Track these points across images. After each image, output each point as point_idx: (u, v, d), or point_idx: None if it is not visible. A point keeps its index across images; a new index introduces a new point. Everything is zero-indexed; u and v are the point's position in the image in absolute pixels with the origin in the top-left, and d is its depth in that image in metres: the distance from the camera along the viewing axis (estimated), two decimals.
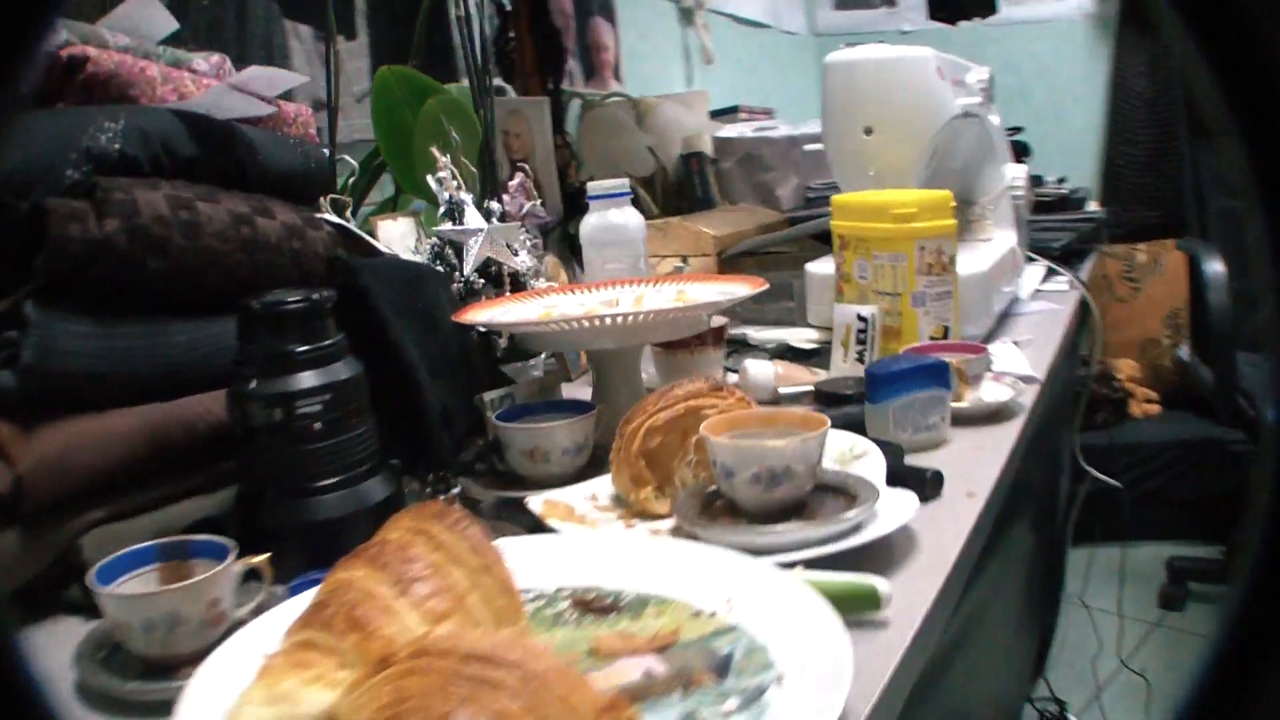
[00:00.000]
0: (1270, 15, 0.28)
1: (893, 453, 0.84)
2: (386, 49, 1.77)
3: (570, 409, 0.91)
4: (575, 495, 0.80)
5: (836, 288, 1.19)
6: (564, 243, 1.76)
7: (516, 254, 1.13)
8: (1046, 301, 1.53)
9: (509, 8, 1.83)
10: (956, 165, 1.46)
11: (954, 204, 1.12)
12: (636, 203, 2.04)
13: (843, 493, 0.74)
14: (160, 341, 0.81)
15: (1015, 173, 1.49)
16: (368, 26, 1.81)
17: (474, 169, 1.22)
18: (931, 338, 1.11)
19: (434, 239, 1.11)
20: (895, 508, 0.72)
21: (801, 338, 1.28)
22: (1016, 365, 1.17)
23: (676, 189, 1.99)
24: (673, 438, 0.77)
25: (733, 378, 1.12)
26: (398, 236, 1.16)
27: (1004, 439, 0.95)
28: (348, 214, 1.20)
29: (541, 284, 1.13)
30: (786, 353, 1.23)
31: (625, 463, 0.78)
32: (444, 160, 1.13)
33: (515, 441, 0.88)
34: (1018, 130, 2.09)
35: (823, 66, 1.32)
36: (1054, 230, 1.74)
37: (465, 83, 1.34)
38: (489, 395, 0.94)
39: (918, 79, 1.25)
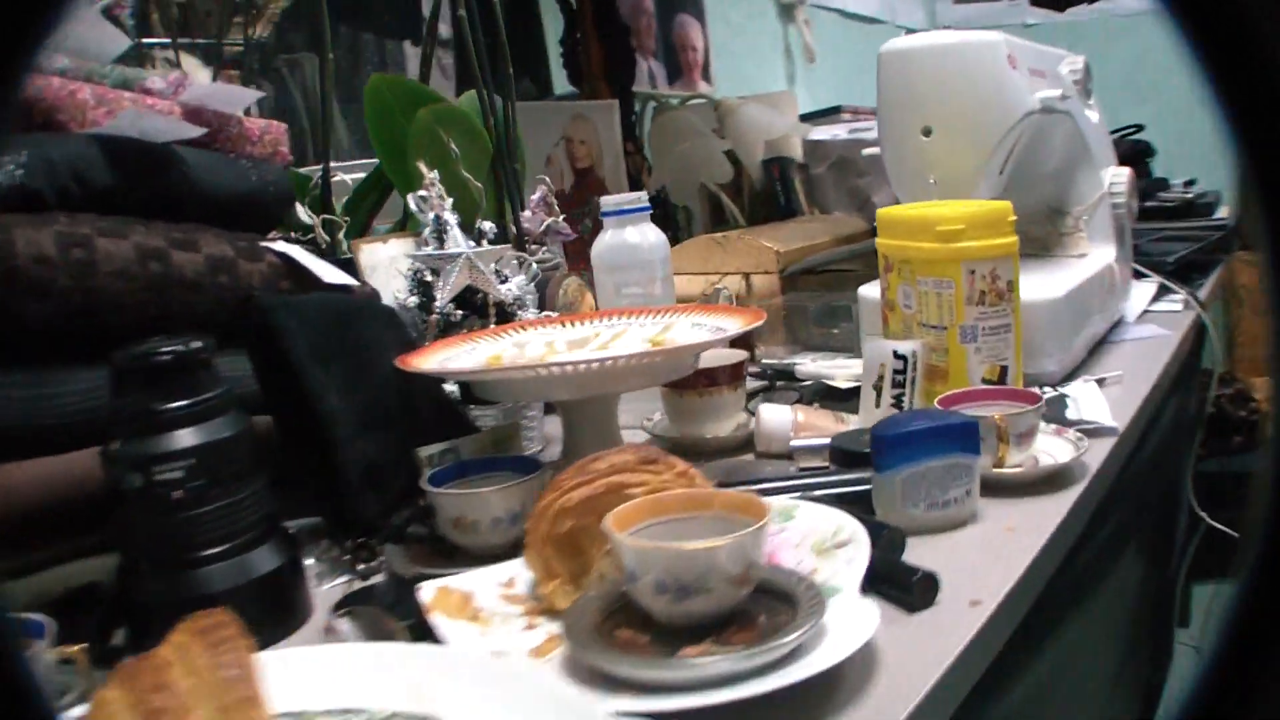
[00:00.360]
0: (1270, 15, 0.27)
1: (888, 541, 0.66)
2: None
3: (518, 468, 0.77)
4: (486, 580, 0.65)
5: (882, 317, 1.00)
6: None
7: (505, 280, 0.99)
8: (1155, 325, 1.28)
9: (575, 6, 1.70)
10: (1046, 169, 1.23)
11: (1013, 217, 0.91)
12: (719, 212, 1.88)
13: (789, 601, 0.56)
14: (49, 391, 0.71)
15: (1116, 177, 1.25)
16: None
17: (478, 184, 1.08)
18: (984, 380, 0.91)
19: (415, 265, 0.98)
20: (854, 625, 0.54)
21: (848, 374, 1.09)
22: (1094, 411, 0.94)
23: (763, 198, 1.81)
24: (590, 520, 0.61)
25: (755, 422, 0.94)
26: (385, 261, 1.04)
27: (1051, 515, 0.74)
28: (340, 236, 1.09)
29: (530, 314, 0.98)
30: (822, 394, 1.04)
31: (534, 548, 0.62)
32: (430, 176, 1.00)
33: (442, 507, 0.74)
34: (1136, 129, 1.80)
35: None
36: (1174, 240, 1.47)
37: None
38: (427, 451, 0.80)
39: (985, 70, 1.04)
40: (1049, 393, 1.00)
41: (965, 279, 0.89)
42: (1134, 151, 1.75)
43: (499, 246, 1.00)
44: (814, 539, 0.65)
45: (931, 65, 1.05)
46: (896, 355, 0.90)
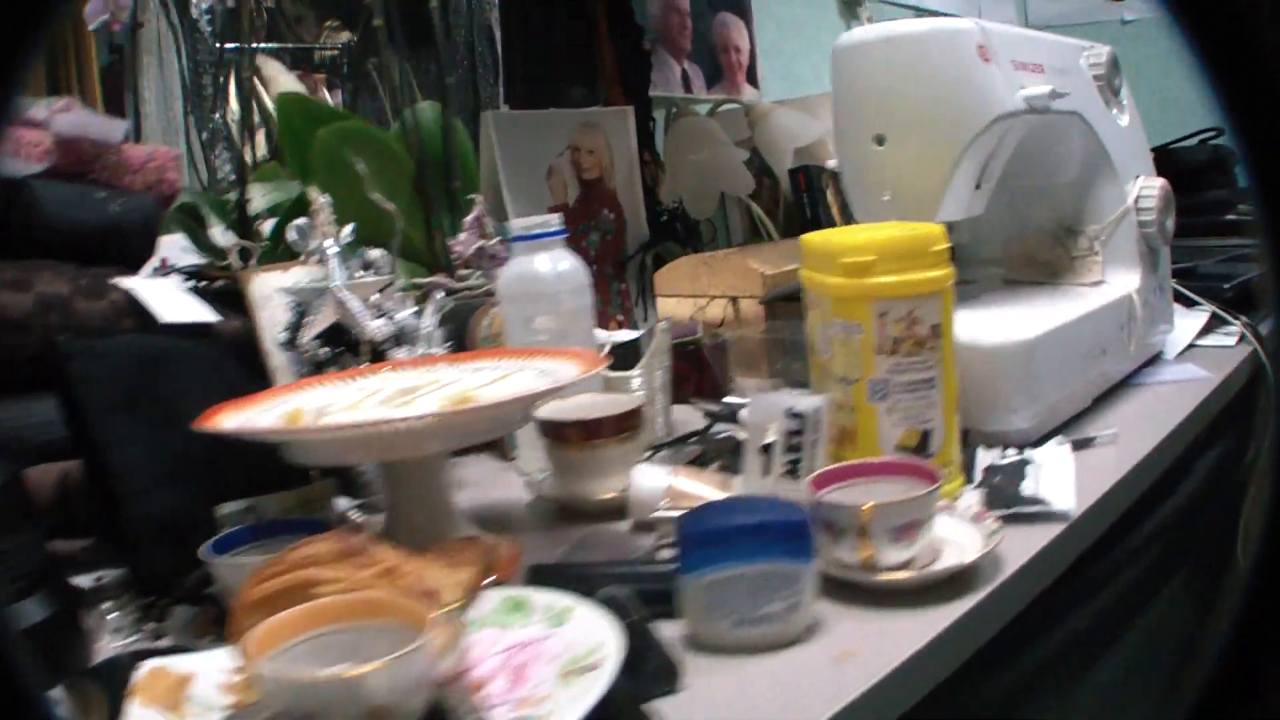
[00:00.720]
0: (1270, 15, 0.27)
1: (647, 671, 0.50)
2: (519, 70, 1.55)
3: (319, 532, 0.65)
4: (214, 663, 0.53)
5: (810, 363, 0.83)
6: (645, 275, 1.47)
7: (384, 315, 0.87)
8: (1194, 365, 1.04)
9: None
10: (1058, 181, 1.02)
11: (943, 245, 0.72)
12: (753, 225, 1.71)
13: None
14: None
15: (1145, 189, 1.02)
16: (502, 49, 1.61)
17: (389, 206, 0.97)
18: (900, 447, 0.73)
19: (292, 298, 0.88)
20: None
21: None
22: (1054, 485, 0.75)
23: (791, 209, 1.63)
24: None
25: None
26: (277, 291, 0.94)
27: (913, 636, 0.56)
28: (253, 262, 1.00)
29: (404, 353, 0.86)
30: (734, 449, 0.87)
31: (233, 639, 0.51)
32: (320, 201, 0.89)
33: (219, 575, 0.63)
34: (1215, 132, 1.51)
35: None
36: (1244, 261, 1.21)
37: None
38: (226, 509, 0.69)
39: (946, 65, 0.84)
40: (1008, 458, 0.81)
41: (875, 323, 0.71)
42: (1213, 158, 1.47)
43: (375, 278, 0.88)
44: (570, 655, 0.51)
45: (883, 61, 0.87)
46: (793, 414, 0.73)
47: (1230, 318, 1.11)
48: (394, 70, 1.83)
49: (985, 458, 0.81)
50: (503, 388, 0.72)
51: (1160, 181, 1.03)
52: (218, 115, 2.28)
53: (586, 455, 0.81)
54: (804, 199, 1.48)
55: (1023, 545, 0.67)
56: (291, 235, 0.89)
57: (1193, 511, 0.92)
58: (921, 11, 2.32)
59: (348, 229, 0.93)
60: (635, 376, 0.98)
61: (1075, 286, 1.00)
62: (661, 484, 0.76)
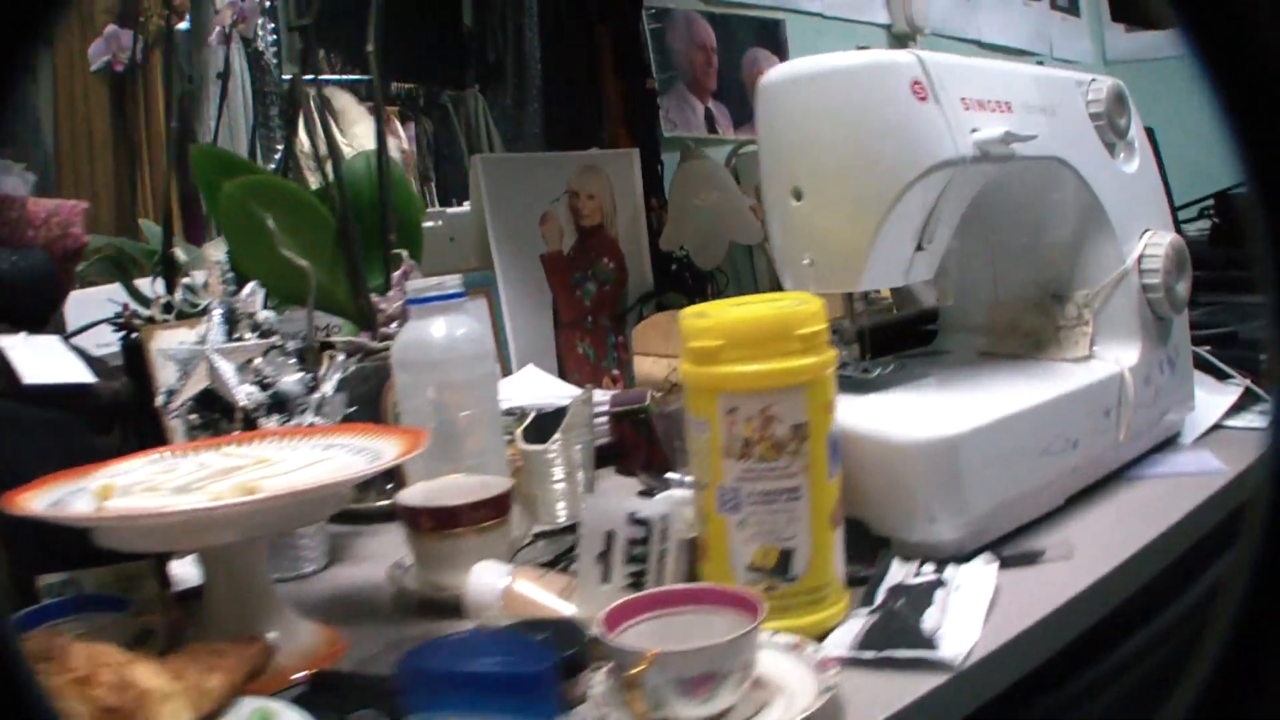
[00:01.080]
0: (1270, 15, 0.26)
1: None
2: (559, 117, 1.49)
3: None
4: None
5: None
6: None
7: (264, 381, 0.80)
8: (1210, 454, 0.86)
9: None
10: (1047, 239, 0.86)
11: (816, 326, 0.59)
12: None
13: None
14: None
15: (1150, 248, 0.84)
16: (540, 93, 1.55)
17: (303, 264, 0.90)
18: (753, 568, 0.60)
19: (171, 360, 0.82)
20: None
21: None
22: (958, 618, 0.60)
23: None
24: None
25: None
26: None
27: None
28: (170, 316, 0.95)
29: (273, 422, 0.78)
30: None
31: None
32: (214, 259, 0.83)
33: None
34: None
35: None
36: None
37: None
38: (47, 580, 0.63)
39: (873, 105, 0.70)
40: (923, 576, 0.66)
41: (722, 420, 0.59)
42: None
43: (256, 342, 0.81)
44: None
45: (802, 101, 0.74)
46: (634, 519, 0.62)
47: (1265, 394, 0.91)
48: (471, 104, 1.80)
49: (900, 573, 0.67)
50: (305, 474, 0.63)
51: (1170, 238, 0.85)
52: (282, 148, 2.30)
53: (442, 545, 0.71)
54: None
55: (894, 695, 0.53)
56: (179, 294, 0.83)
57: (1175, 642, 0.74)
58: (984, 46, 2.12)
59: (249, 288, 0.87)
60: (550, 451, 0.87)
61: (1059, 362, 0.83)
62: (497, 588, 0.65)
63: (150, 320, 0.95)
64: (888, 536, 0.70)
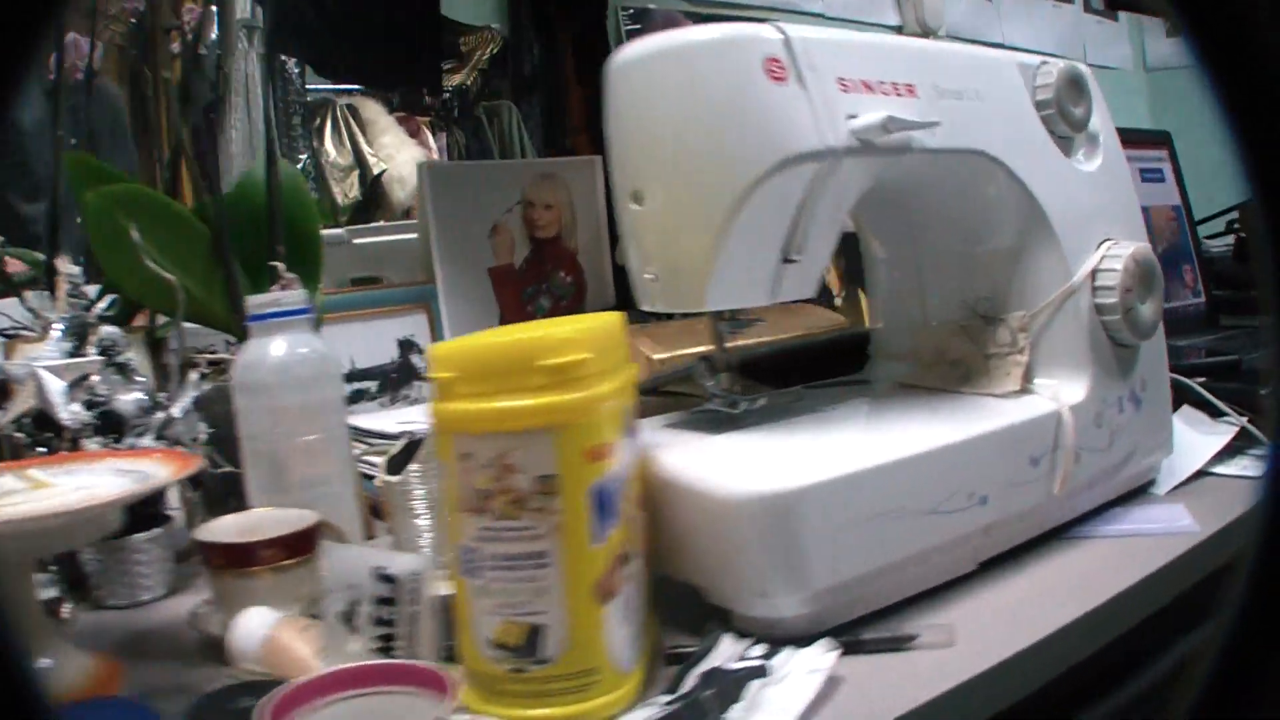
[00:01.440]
0: (1270, 15, 0.25)
1: None
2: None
3: None
4: None
5: None
6: None
7: (98, 400, 0.73)
8: (1183, 509, 0.69)
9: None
10: (985, 249, 0.71)
11: (574, 357, 0.47)
12: None
13: None
14: None
15: (1108, 260, 0.68)
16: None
17: (169, 277, 0.83)
18: (496, 644, 0.48)
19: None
20: None
21: None
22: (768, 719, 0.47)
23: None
24: None
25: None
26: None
27: None
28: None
29: (95, 444, 0.71)
30: None
31: None
32: (68, 271, 0.77)
33: None
34: None
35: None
36: None
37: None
38: None
39: (719, 88, 0.58)
40: (746, 662, 0.53)
41: (458, 466, 0.47)
42: None
43: (89, 359, 0.74)
44: None
45: (642, 87, 0.62)
46: (380, 576, 0.51)
47: (1262, 435, 0.73)
48: (505, 115, 1.74)
49: (729, 652, 0.54)
50: (51, 500, 0.55)
51: (1134, 249, 0.69)
52: (305, 157, 2.29)
53: (237, 584, 0.62)
54: None
55: None
56: (21, 311, 0.77)
57: None
58: (1007, 49, 1.91)
59: (104, 301, 0.80)
60: (409, 483, 0.77)
61: (985, 397, 0.68)
62: (258, 636, 0.55)
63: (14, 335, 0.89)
64: (728, 610, 0.57)
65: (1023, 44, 1.92)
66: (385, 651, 0.51)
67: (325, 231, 1.67)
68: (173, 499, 0.84)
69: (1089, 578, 0.62)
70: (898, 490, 0.57)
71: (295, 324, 0.74)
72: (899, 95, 0.62)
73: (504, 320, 1.20)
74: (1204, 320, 1.12)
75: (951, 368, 0.71)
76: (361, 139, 2.34)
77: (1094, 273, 0.68)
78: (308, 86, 2.19)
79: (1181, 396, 0.80)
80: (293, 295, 0.75)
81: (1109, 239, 0.70)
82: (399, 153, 2.38)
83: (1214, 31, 0.26)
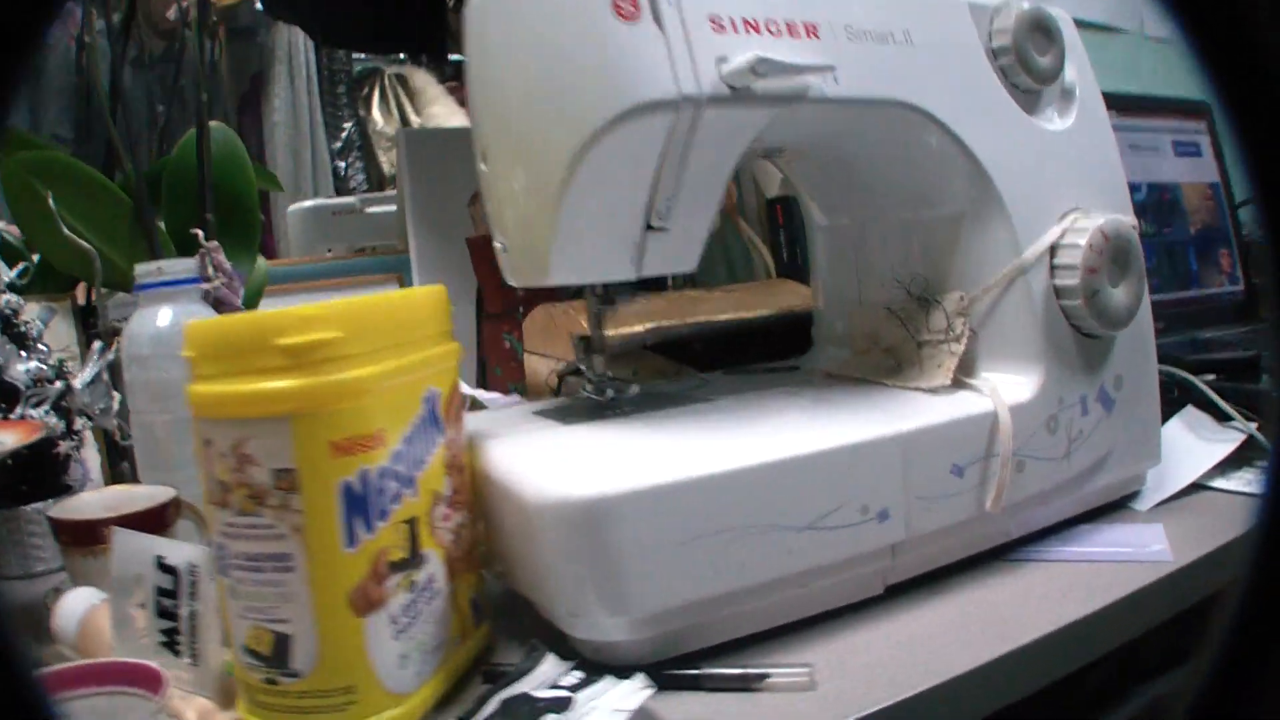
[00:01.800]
0: (1270, 15, 0.25)
1: None
2: None
3: None
4: None
5: None
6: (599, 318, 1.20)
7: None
8: (1160, 530, 0.58)
9: None
10: (927, 218, 0.62)
11: (327, 333, 0.41)
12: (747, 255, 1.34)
13: None
14: None
15: (1070, 235, 0.58)
16: None
17: (85, 245, 0.81)
18: (248, 650, 0.43)
19: None
20: None
21: None
22: None
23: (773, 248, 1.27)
24: None
25: None
26: None
27: None
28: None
29: (36, 414, 0.70)
30: None
31: None
32: None
33: None
34: None
35: None
36: None
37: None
38: None
39: (565, 29, 0.50)
40: (558, 691, 0.46)
41: (202, 453, 0.42)
42: None
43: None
44: None
45: (492, 31, 0.55)
46: (161, 566, 0.47)
47: (1267, 444, 0.61)
48: None
49: (542, 676, 0.48)
50: None
51: (1102, 222, 0.58)
52: (350, 125, 2.28)
53: (86, 562, 0.59)
54: (780, 237, 1.10)
55: None
56: None
57: None
58: (1080, 24, 1.71)
59: (15, 270, 0.79)
60: None
61: (912, 391, 0.59)
62: (74, 617, 0.53)
63: None
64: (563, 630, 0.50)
65: (1072, 11, 1.73)
66: (171, 647, 0.47)
67: (337, 200, 1.66)
68: (92, 469, 0.83)
69: (1023, 609, 0.53)
70: (756, 501, 0.49)
71: (183, 294, 0.71)
72: (794, 37, 0.54)
73: (484, 294, 1.15)
74: (1241, 310, 0.97)
75: (885, 356, 0.63)
76: (410, 108, 2.34)
77: (1053, 249, 0.58)
78: (354, 55, 2.20)
79: (1187, 396, 0.68)
80: (179, 264, 0.71)
81: (1076, 210, 0.60)
82: (449, 122, 2.36)
83: (1214, 31, 0.25)
